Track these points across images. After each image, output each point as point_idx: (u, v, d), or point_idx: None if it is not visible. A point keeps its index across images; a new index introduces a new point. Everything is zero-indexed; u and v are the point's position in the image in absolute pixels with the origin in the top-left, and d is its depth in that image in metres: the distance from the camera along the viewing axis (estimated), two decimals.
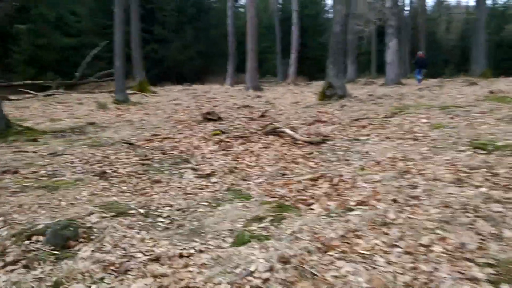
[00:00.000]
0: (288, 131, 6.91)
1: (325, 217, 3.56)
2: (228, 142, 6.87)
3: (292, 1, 24.48)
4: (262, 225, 3.48)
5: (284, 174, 4.94)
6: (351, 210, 3.65)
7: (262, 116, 9.38)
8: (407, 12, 32.80)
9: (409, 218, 3.35)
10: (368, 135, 6.61)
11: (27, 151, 6.61)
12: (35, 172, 5.38)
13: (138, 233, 3.51)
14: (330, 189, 4.25)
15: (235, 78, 26.86)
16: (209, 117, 9.62)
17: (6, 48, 21.96)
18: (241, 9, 38.54)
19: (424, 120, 7.39)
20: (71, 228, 3.43)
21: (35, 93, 16.93)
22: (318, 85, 21.77)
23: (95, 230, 3.52)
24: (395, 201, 3.73)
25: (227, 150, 6.37)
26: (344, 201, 3.86)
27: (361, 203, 3.78)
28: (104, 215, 3.84)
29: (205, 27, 29.31)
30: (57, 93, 17.34)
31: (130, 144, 7.11)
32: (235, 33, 25.82)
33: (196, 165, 5.56)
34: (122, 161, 5.84)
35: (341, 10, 11.06)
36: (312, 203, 3.90)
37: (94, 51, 19.36)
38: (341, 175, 4.60)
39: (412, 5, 33.79)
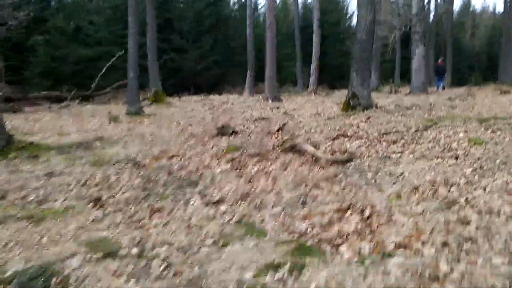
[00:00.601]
0: (309, 147, 6.19)
1: (357, 265, 2.83)
2: (242, 160, 6.19)
3: (313, 10, 23.83)
4: (277, 275, 2.78)
5: (304, 203, 4.22)
6: (390, 255, 2.92)
7: (281, 129, 8.68)
8: (433, 18, 31.77)
9: (467, 270, 2.60)
10: (400, 152, 5.84)
11: (23, 171, 6.07)
12: (25, 197, 4.79)
13: (125, 282, 2.86)
14: (361, 224, 3.52)
15: (254, 88, 26.27)
16: (224, 131, 8.99)
17: (22, 60, 21.83)
18: (261, 18, 38.11)
19: (462, 135, 6.59)
20: (42, 279, 2.80)
21: (49, 104, 16.60)
22: (340, 95, 21.01)
23: (73, 279, 2.88)
24: (445, 244, 2.98)
25: (241, 170, 5.70)
26: (379, 243, 3.13)
27: (401, 245, 3.05)
28: (89, 256, 3.20)
29: (224, 36, 28.85)
30: (71, 105, 16.98)
31: (135, 163, 6.51)
32: (254, 42, 25.30)
33: (204, 189, 4.89)
34: (122, 184, 5.21)
35: (366, 16, 10.32)
36: (340, 244, 3.18)
37: (109, 62, 19.00)
38: (374, 205, 3.86)
39: (437, 10, 32.73)
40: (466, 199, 3.83)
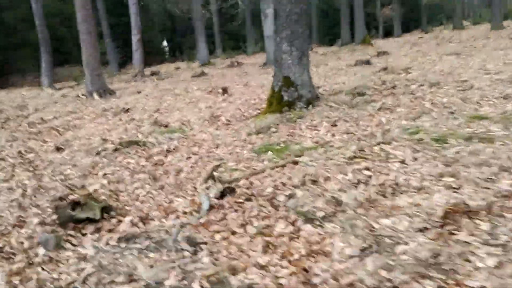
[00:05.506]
0: None
1: None
2: None
3: None
4: None
5: None
6: None
7: (230, 190, 3.82)
8: None
9: None
10: None
11: None
12: None
13: None
14: None
15: (54, 76, 19.38)
16: (77, 214, 3.57)
17: None
18: None
19: None
20: None
21: None
22: (177, 79, 16.16)
23: None
24: None
25: None
26: None
27: None
28: None
29: None
30: None
31: None
32: (44, 14, 18.24)
33: None
34: None
35: None
36: None
37: None
38: None
39: None
40: None
